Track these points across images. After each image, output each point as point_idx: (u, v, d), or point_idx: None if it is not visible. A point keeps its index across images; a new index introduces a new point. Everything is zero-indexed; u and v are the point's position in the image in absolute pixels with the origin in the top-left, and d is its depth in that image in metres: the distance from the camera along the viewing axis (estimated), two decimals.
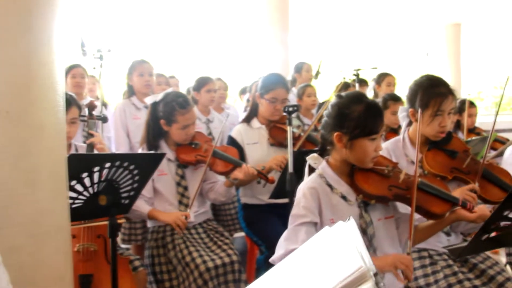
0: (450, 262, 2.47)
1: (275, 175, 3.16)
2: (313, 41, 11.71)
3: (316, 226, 1.99)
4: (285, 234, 2.01)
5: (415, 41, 12.71)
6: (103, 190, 2.27)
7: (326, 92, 7.81)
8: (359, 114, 1.98)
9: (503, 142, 4.67)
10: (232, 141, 3.47)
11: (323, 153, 2.14)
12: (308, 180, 2.07)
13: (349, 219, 1.01)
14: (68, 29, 1.62)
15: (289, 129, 2.83)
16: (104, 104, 4.84)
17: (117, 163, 2.24)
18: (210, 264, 2.87)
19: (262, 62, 7.75)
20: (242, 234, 4.22)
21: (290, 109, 2.81)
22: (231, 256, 2.98)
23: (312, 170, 2.13)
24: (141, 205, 2.98)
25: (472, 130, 5.23)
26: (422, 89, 2.53)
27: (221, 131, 3.64)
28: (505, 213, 1.54)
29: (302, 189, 2.05)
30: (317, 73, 5.62)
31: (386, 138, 4.36)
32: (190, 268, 2.89)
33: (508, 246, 2.75)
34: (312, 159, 2.12)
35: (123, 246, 4.06)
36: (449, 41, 11.29)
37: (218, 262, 2.91)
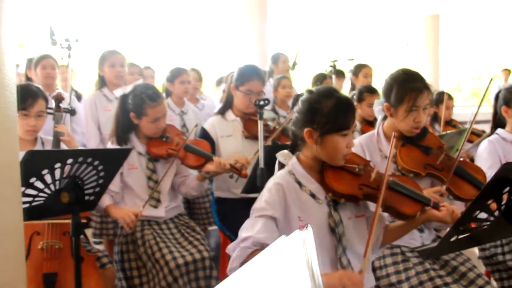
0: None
1: (248, 169, 3.10)
2: (291, 32, 11.63)
3: (276, 221, 1.92)
4: (243, 225, 1.95)
5: (394, 32, 12.72)
6: (66, 187, 2.18)
7: (303, 83, 7.76)
8: (329, 110, 1.92)
9: (479, 134, 4.66)
10: (205, 134, 3.40)
11: (294, 149, 2.08)
12: (276, 176, 2.01)
13: (306, 227, 0.95)
14: (19, 20, 1.52)
15: (259, 123, 2.76)
16: (78, 96, 4.73)
17: (80, 159, 2.15)
18: (180, 261, 2.81)
19: (240, 52, 7.67)
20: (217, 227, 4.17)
21: (261, 102, 2.74)
22: (202, 252, 2.92)
23: (283, 167, 2.08)
24: (103, 199, 2.88)
25: (449, 123, 5.23)
26: (397, 83, 2.48)
27: (196, 123, 3.57)
28: (475, 214, 1.50)
29: (268, 183, 1.99)
30: (294, 64, 5.55)
31: (362, 131, 4.34)
32: (160, 265, 2.83)
33: (477, 245, 2.74)
34: (282, 155, 2.06)
35: (94, 240, 3.99)
36: (428, 32, 11.32)
37: (189, 258, 2.85)
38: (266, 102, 2.75)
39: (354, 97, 4.42)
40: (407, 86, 2.44)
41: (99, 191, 2.40)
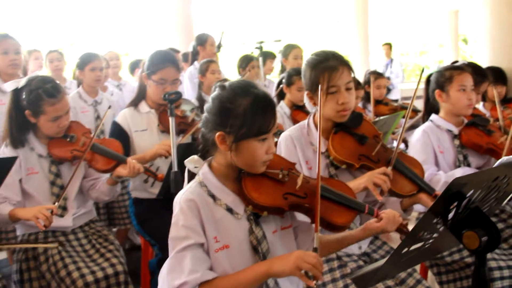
0: (361, 263, 2.22)
1: (164, 171, 2.77)
2: (215, 11, 11.19)
3: (204, 246, 1.62)
4: (167, 264, 1.60)
5: (324, 10, 12.59)
6: None
7: (228, 67, 7.43)
8: (245, 110, 1.60)
9: (417, 110, 4.49)
10: (117, 128, 3.03)
11: (205, 154, 1.75)
12: (185, 191, 1.67)
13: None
14: None
15: (171, 120, 2.40)
16: None
17: None
18: (90, 278, 2.47)
19: (164, 34, 7.27)
20: None
21: (172, 97, 2.39)
22: (116, 266, 2.58)
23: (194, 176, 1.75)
24: (2, 208, 2.50)
25: (380, 101, 5.06)
26: (310, 67, 2.25)
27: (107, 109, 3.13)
28: (419, 235, 1.26)
29: (178, 202, 1.64)
30: (219, 46, 5.19)
31: (292, 117, 4.08)
32: (66, 284, 2.47)
33: (420, 263, 2.54)
34: (191, 162, 1.73)
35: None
36: (358, 8, 11.21)
37: (100, 274, 2.51)
38: (178, 95, 2.40)
39: (284, 80, 4.15)
40: (319, 67, 2.20)
41: None
